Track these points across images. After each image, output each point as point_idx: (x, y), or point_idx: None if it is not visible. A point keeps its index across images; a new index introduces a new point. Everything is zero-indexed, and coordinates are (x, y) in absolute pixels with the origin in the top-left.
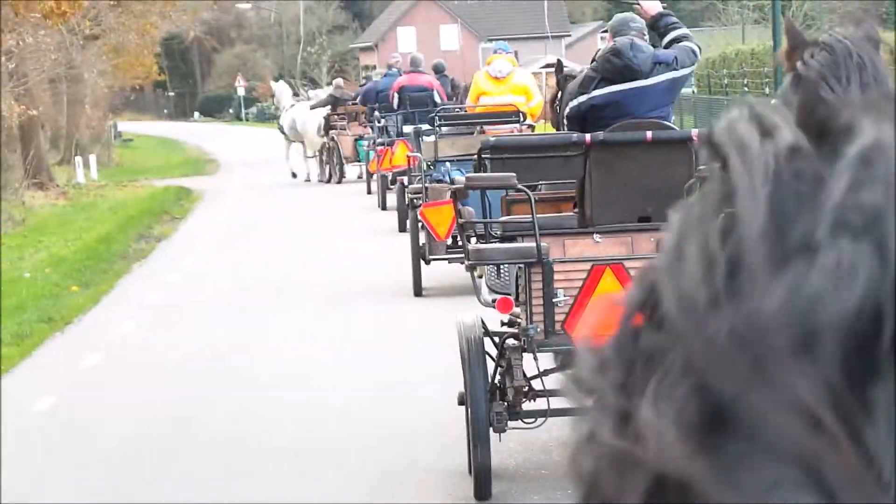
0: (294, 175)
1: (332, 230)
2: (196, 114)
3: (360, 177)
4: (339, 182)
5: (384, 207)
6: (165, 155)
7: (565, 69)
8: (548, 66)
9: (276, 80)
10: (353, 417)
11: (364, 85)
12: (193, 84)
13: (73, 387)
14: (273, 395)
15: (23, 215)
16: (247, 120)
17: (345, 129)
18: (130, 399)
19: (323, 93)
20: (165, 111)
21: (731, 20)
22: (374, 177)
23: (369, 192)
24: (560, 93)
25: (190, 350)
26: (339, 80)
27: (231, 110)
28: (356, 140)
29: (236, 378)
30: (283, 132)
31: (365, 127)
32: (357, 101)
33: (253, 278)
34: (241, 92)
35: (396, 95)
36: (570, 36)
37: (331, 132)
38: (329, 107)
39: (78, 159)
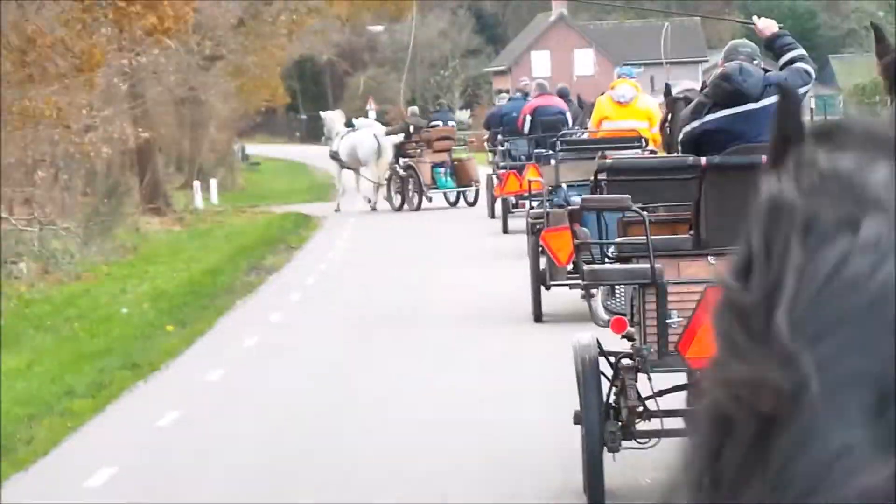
0: (370, 201)
1: (453, 255)
2: None
3: (452, 202)
4: (418, 209)
5: (506, 231)
6: (291, 179)
7: (688, 93)
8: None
9: (410, 103)
10: (473, 438)
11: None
12: (325, 107)
13: (145, 446)
14: (395, 417)
15: (135, 242)
16: None
17: (422, 157)
18: (226, 446)
19: (367, 121)
20: (297, 134)
21: (873, 46)
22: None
23: (492, 215)
24: (670, 115)
25: (297, 386)
26: (415, 108)
27: None
28: (433, 167)
29: (356, 403)
30: (337, 159)
31: (440, 153)
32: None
33: (368, 307)
34: (371, 115)
35: (529, 118)
36: (707, 61)
37: (406, 160)
38: (403, 134)
39: (196, 184)
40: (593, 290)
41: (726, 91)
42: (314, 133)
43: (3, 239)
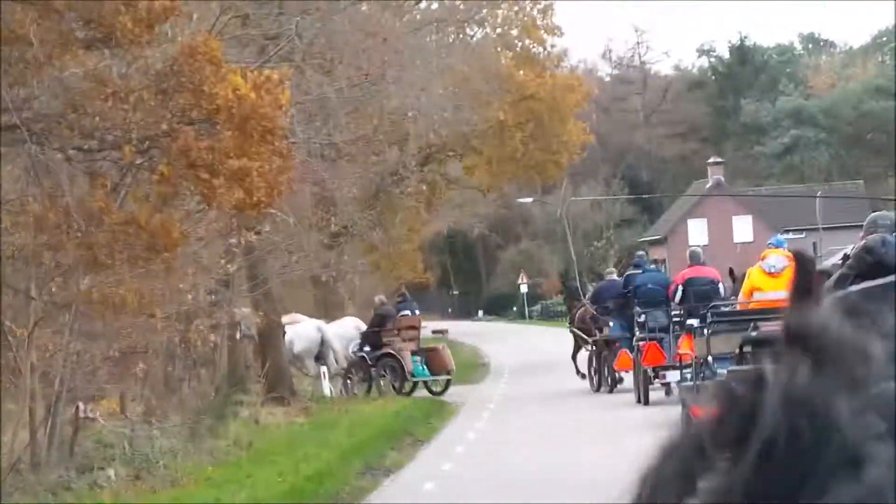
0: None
1: (592, 436)
2: (480, 312)
3: (436, 392)
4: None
5: (647, 403)
6: None
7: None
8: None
9: (564, 276)
10: None
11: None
12: (478, 282)
13: None
14: None
15: (251, 437)
16: (530, 318)
17: (400, 344)
18: None
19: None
20: (449, 310)
21: None
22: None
23: (640, 401)
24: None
25: None
26: (382, 297)
27: (515, 308)
28: (412, 354)
29: None
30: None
31: (408, 343)
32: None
33: None
34: (523, 289)
35: (681, 288)
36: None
37: (384, 348)
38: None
39: (324, 369)
40: None
41: (868, 263)
42: (466, 309)
43: (91, 441)
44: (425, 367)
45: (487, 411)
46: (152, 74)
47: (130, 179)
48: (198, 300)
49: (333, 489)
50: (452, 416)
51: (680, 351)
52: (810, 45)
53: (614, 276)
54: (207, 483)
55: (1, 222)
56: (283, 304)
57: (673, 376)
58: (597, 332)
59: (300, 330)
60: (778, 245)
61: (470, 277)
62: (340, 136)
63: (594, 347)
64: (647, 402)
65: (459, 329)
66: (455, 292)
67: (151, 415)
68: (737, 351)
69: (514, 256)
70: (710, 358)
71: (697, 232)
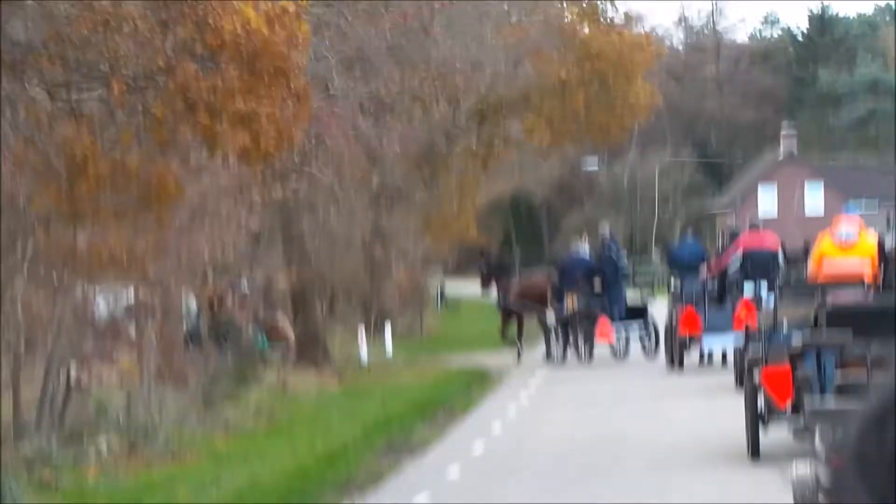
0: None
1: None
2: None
3: None
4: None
5: (681, 367)
6: (489, 322)
7: None
8: None
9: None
10: None
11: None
12: (540, 246)
13: None
14: None
15: (273, 406)
16: None
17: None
18: None
19: None
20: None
21: None
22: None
23: (673, 366)
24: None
25: None
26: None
27: None
28: None
29: None
30: None
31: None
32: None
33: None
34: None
35: (740, 255)
36: None
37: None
38: None
39: (362, 334)
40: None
41: None
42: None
43: (87, 408)
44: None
45: (531, 382)
46: (149, 1)
47: (121, 121)
48: (216, 258)
49: (344, 472)
50: (495, 387)
51: (741, 318)
52: (887, 18)
53: (581, 250)
54: (211, 458)
55: None
56: (328, 263)
57: (709, 343)
58: (566, 305)
59: None
60: (851, 213)
61: (533, 242)
62: (384, 89)
63: (562, 321)
64: (681, 367)
65: None
66: (517, 255)
67: (163, 379)
68: (810, 318)
69: (578, 222)
70: (784, 322)
71: (767, 201)
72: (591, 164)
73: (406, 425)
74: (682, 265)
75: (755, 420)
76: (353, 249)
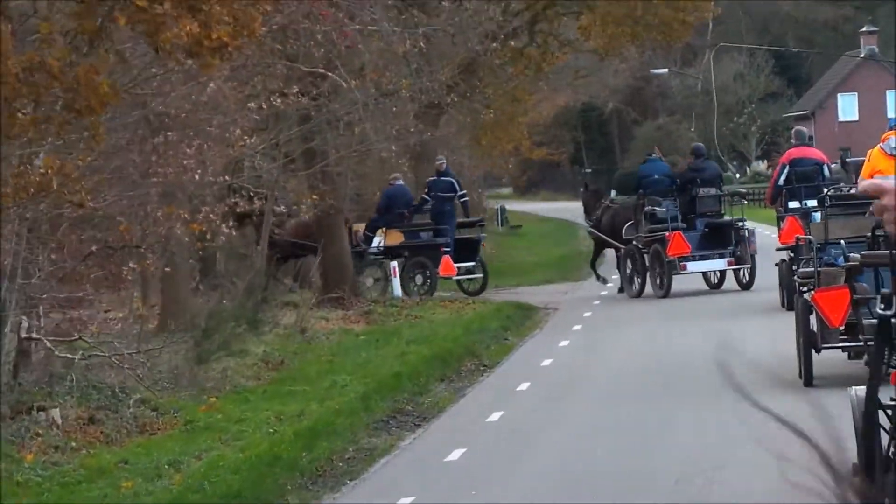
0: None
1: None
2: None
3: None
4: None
5: (667, 295)
6: (549, 246)
7: None
8: None
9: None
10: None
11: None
12: (612, 159)
13: None
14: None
15: (285, 354)
16: None
17: None
18: None
19: None
20: (581, 189)
21: None
22: None
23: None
24: None
25: None
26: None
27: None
28: None
29: None
30: None
31: None
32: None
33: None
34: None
35: (786, 168)
36: None
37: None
38: None
39: (394, 265)
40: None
41: None
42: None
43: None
44: None
45: (581, 322)
46: None
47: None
48: (205, 181)
49: (324, 454)
50: (538, 327)
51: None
52: None
53: (400, 181)
54: (186, 429)
55: None
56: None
57: (694, 266)
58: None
59: None
60: None
61: (604, 154)
62: None
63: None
64: (667, 295)
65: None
66: (587, 170)
67: (153, 330)
68: (865, 235)
69: (651, 133)
70: (843, 242)
71: (847, 106)
72: (660, 70)
73: (423, 380)
74: (652, 186)
75: (809, 344)
76: (387, 169)
